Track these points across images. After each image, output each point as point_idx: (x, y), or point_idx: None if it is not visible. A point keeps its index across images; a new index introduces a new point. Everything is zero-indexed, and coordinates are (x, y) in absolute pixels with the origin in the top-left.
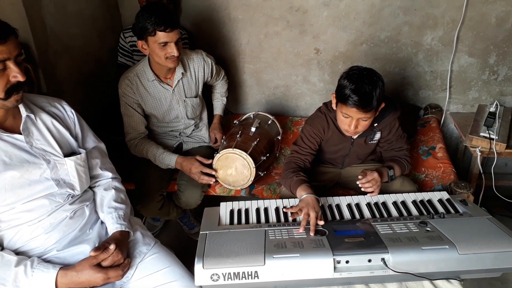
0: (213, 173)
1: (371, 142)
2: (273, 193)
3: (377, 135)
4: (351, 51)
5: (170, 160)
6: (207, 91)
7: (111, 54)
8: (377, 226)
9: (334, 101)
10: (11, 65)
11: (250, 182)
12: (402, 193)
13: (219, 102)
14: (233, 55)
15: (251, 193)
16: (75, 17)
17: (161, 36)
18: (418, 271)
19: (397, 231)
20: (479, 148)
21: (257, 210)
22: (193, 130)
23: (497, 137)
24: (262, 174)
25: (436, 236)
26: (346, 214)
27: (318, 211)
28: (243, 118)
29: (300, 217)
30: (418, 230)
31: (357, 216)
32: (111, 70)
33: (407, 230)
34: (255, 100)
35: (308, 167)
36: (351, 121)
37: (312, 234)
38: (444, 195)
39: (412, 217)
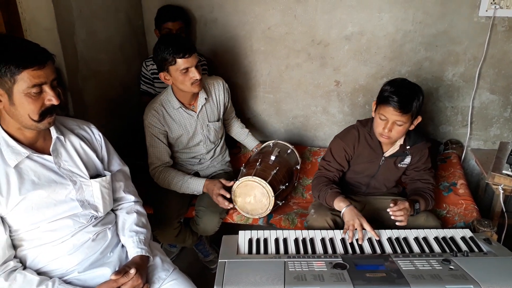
0: (227, 196)
1: (401, 165)
2: (291, 224)
3: (407, 159)
4: (371, 84)
5: (198, 185)
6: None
7: (137, 80)
8: (398, 262)
9: (373, 108)
10: (47, 89)
11: (269, 211)
12: (426, 228)
13: (250, 135)
14: (254, 85)
15: (268, 223)
16: (104, 43)
17: (181, 63)
18: None
19: (420, 268)
20: (501, 186)
21: (276, 240)
22: (213, 154)
23: None
24: (280, 204)
25: (460, 275)
26: (367, 248)
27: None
28: (263, 146)
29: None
30: (441, 267)
31: (378, 250)
32: (136, 96)
33: (430, 267)
34: (273, 129)
35: (337, 182)
36: (387, 123)
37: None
38: (467, 233)
39: (435, 254)
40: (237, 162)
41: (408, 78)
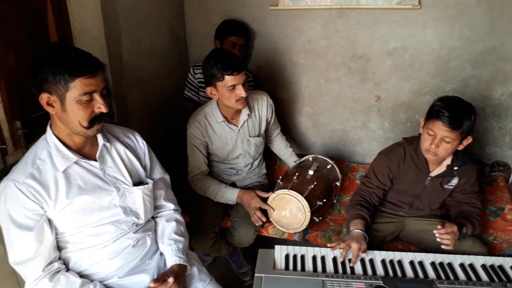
0: (271, 210)
1: (447, 186)
2: (328, 241)
3: (454, 181)
4: (413, 100)
5: (231, 194)
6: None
7: (177, 88)
8: (440, 286)
9: (422, 124)
10: (97, 96)
11: (304, 227)
12: (472, 254)
13: (293, 155)
14: (292, 97)
15: (304, 238)
16: (148, 52)
17: (229, 80)
18: None
19: None
20: None
21: (314, 257)
22: (251, 167)
23: None
24: (317, 220)
25: None
26: (409, 271)
27: (361, 244)
28: (302, 160)
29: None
30: None
31: (421, 275)
32: (176, 103)
33: None
34: (310, 142)
35: (376, 202)
36: (434, 139)
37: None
38: None
39: (482, 282)
40: (273, 174)
41: (451, 94)
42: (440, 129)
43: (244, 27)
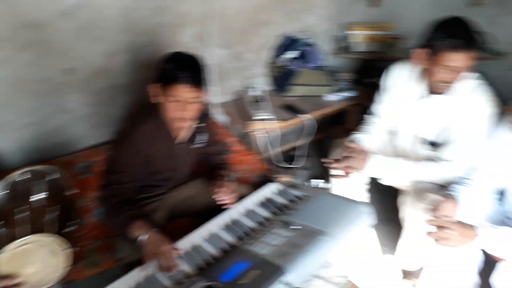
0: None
1: (197, 145)
2: (97, 265)
3: (203, 137)
4: (112, 63)
5: None
6: None
7: None
8: (251, 248)
9: (155, 93)
10: None
11: (66, 270)
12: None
13: None
14: None
15: (66, 282)
16: None
17: None
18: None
19: (274, 242)
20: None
21: None
22: None
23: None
24: (77, 249)
25: (309, 232)
26: (211, 250)
27: (171, 244)
28: (8, 183)
29: None
30: (292, 233)
31: (226, 246)
32: None
33: (283, 237)
34: None
35: (132, 197)
36: (179, 105)
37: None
38: (276, 186)
39: (272, 221)
40: None
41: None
42: (185, 92)
43: None
